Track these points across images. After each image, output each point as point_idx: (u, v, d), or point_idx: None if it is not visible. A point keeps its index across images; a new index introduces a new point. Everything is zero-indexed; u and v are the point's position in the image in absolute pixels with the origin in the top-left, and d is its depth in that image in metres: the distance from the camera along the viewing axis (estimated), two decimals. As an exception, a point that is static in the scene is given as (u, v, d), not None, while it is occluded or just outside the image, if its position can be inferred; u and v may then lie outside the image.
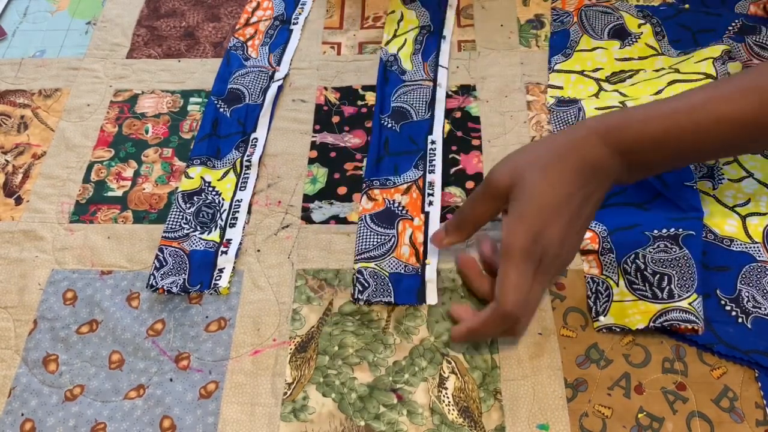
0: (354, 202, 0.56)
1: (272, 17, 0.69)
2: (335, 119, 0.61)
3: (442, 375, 0.47)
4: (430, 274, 0.51)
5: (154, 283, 0.50)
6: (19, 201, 0.57)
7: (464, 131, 0.60)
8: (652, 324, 0.46)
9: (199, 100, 0.63)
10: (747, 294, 0.48)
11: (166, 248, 0.53)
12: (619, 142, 0.43)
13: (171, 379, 0.47)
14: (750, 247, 0.50)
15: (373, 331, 0.49)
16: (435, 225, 0.53)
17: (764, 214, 0.52)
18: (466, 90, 0.63)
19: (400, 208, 0.54)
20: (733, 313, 0.48)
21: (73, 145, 0.60)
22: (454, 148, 0.58)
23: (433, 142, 0.58)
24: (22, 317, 0.51)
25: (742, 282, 0.49)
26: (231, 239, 0.53)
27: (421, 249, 0.52)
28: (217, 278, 0.51)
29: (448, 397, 0.46)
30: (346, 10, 0.71)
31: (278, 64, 0.65)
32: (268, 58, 0.66)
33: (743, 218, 0.52)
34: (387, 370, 0.47)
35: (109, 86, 0.65)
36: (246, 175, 0.57)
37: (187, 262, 0.52)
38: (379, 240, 0.52)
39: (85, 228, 0.55)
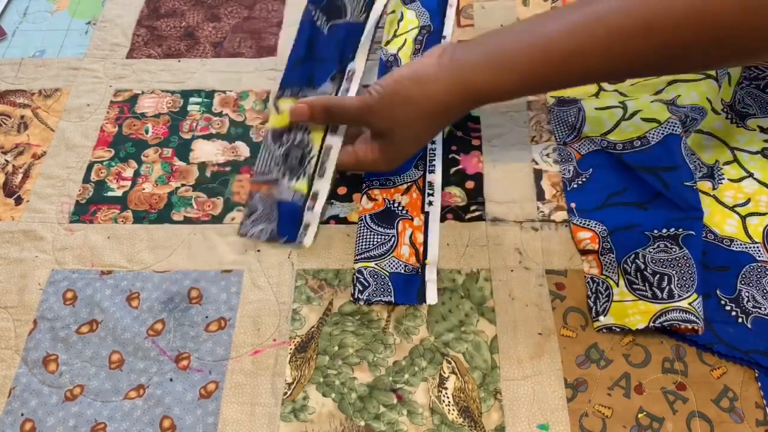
0: (354, 202, 0.56)
1: None
2: (335, 119, 0.61)
3: (442, 375, 0.47)
4: (430, 274, 0.51)
5: (245, 231, 0.52)
6: (19, 201, 0.57)
7: (464, 131, 0.60)
8: (652, 324, 0.46)
9: (199, 99, 0.63)
10: (747, 294, 0.48)
11: (257, 192, 0.53)
12: (477, 100, 0.48)
13: (171, 379, 0.47)
14: (750, 247, 0.50)
15: (373, 331, 0.49)
16: (435, 225, 0.53)
17: (764, 214, 0.52)
18: (466, 90, 0.62)
19: (400, 208, 0.54)
20: (733, 313, 0.48)
21: (73, 145, 0.60)
22: (454, 148, 0.58)
23: (433, 142, 0.58)
24: (22, 317, 0.51)
25: (742, 282, 0.49)
26: (318, 192, 0.53)
27: (421, 249, 0.52)
28: (302, 236, 0.52)
29: (448, 397, 0.46)
30: (346, 10, 0.70)
31: None
32: None
33: (743, 218, 0.52)
34: (387, 370, 0.47)
35: (109, 86, 0.65)
36: None
37: (276, 212, 0.52)
38: (379, 240, 0.52)
39: (85, 228, 0.55)
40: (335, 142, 0.53)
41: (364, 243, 0.52)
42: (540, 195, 0.55)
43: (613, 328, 0.47)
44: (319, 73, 0.57)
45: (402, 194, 0.55)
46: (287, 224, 0.52)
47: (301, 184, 0.53)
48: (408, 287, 0.50)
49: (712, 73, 0.57)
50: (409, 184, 0.56)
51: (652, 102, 0.56)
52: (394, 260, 0.52)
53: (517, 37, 0.47)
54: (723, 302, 0.48)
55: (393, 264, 0.51)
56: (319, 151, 0.53)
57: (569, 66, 0.45)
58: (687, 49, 0.42)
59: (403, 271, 0.51)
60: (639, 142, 0.55)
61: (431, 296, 0.50)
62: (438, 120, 0.50)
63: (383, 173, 0.56)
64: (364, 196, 0.55)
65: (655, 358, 0.47)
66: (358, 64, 0.56)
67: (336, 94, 0.55)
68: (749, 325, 0.47)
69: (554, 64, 0.45)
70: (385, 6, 0.59)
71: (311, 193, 0.53)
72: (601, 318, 0.48)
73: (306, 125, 0.54)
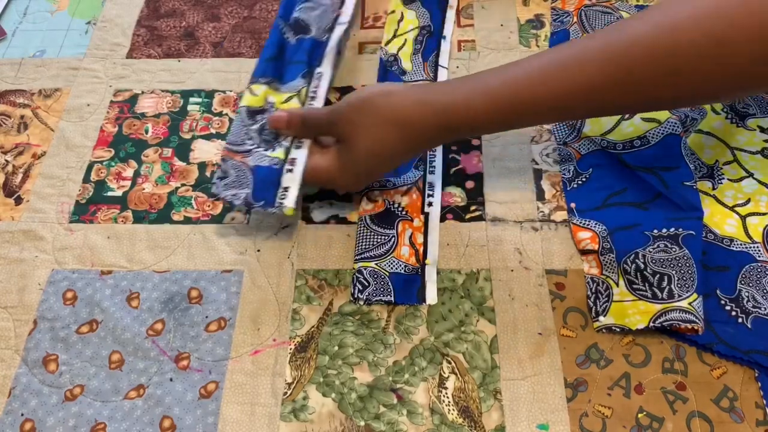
0: (354, 202, 0.56)
1: None
2: (335, 119, 0.61)
3: (442, 375, 0.47)
4: (430, 274, 0.51)
5: (216, 192, 0.51)
6: (19, 201, 0.57)
7: (464, 131, 0.60)
8: (652, 324, 0.46)
9: (199, 99, 0.63)
10: (747, 294, 0.48)
11: (229, 159, 0.52)
12: (447, 122, 0.47)
13: (171, 379, 0.47)
14: (750, 247, 0.50)
15: (373, 331, 0.49)
16: (435, 226, 0.53)
17: (764, 214, 0.52)
18: (466, 90, 0.62)
19: (400, 209, 0.54)
20: (733, 313, 0.48)
21: (73, 145, 0.60)
22: (454, 148, 0.58)
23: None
24: (22, 317, 0.51)
25: (742, 282, 0.49)
26: (296, 158, 0.51)
27: (421, 249, 0.52)
28: (282, 197, 0.50)
29: (448, 397, 0.46)
30: (346, 10, 0.70)
31: (340, 7, 0.63)
32: None
33: (743, 218, 0.52)
34: (387, 370, 0.47)
35: (109, 86, 0.65)
36: (310, 105, 0.56)
37: (250, 177, 0.51)
38: (378, 240, 0.52)
39: (85, 228, 0.55)
40: None
41: (363, 243, 0.52)
42: (540, 195, 0.55)
43: (613, 328, 0.47)
44: (288, 72, 0.58)
45: (402, 195, 0.55)
46: (264, 189, 0.50)
47: (278, 153, 0.52)
48: (408, 287, 0.50)
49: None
50: (409, 186, 0.56)
51: (652, 102, 0.56)
52: (394, 260, 0.52)
53: (495, 69, 0.47)
54: (723, 302, 0.48)
55: (393, 264, 0.51)
56: None
57: (545, 87, 0.44)
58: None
59: (403, 271, 0.51)
60: (639, 142, 0.55)
61: (431, 296, 0.50)
62: (400, 134, 0.47)
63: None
64: (364, 198, 0.55)
65: (655, 358, 0.47)
66: (326, 69, 0.58)
67: (306, 92, 0.57)
68: (749, 325, 0.47)
69: (527, 87, 0.44)
70: (347, 30, 0.61)
71: (289, 159, 0.51)
72: (601, 318, 0.48)
73: (278, 110, 0.55)
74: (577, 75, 0.43)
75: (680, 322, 0.45)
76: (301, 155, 0.51)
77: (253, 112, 0.55)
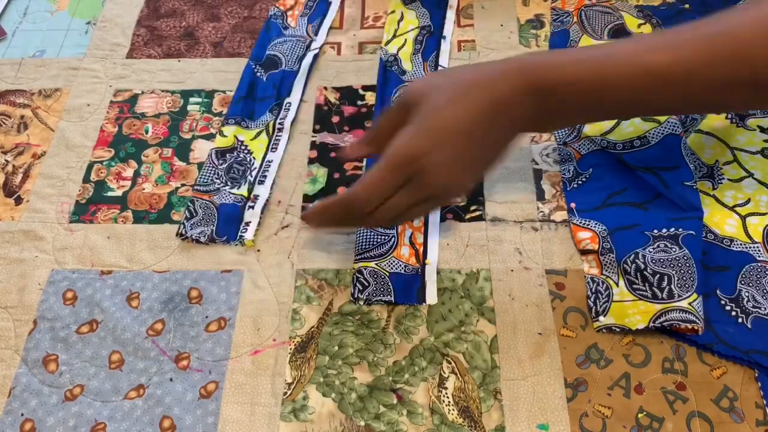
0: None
1: None
2: (335, 119, 0.61)
3: (442, 375, 0.47)
4: (430, 274, 0.51)
5: (183, 232, 0.53)
6: (19, 201, 0.57)
7: (464, 131, 0.60)
8: (652, 324, 0.46)
9: (199, 99, 0.63)
10: (747, 294, 0.48)
11: (197, 200, 0.55)
12: (539, 81, 0.41)
13: (171, 379, 0.47)
14: (750, 247, 0.50)
15: (373, 331, 0.49)
16: (435, 226, 0.53)
17: (764, 214, 0.52)
18: (466, 90, 0.62)
19: (400, 208, 0.54)
20: (733, 313, 0.48)
21: (73, 145, 0.60)
22: (454, 148, 0.58)
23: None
24: (22, 317, 0.51)
25: (742, 282, 0.49)
26: (258, 195, 0.55)
27: (421, 249, 0.52)
28: (243, 231, 0.53)
29: (448, 397, 0.46)
30: (346, 10, 0.71)
31: (315, 35, 0.68)
32: (306, 28, 0.68)
33: (743, 218, 0.52)
34: (387, 370, 0.47)
35: (109, 86, 0.65)
36: (278, 138, 0.59)
37: (215, 215, 0.54)
38: (378, 240, 0.52)
39: (85, 228, 0.55)
40: (275, 157, 0.58)
41: (364, 243, 0.52)
42: (540, 195, 0.55)
43: (613, 328, 0.47)
44: (258, 108, 0.62)
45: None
46: (227, 225, 0.54)
47: (242, 190, 0.56)
48: (408, 287, 0.50)
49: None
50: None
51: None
52: (394, 260, 0.52)
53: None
54: (723, 302, 0.48)
55: (393, 264, 0.51)
56: (261, 165, 0.57)
57: (655, 82, 0.39)
58: None
59: (403, 271, 0.51)
60: (639, 142, 0.55)
61: (431, 296, 0.50)
62: (484, 97, 0.41)
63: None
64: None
65: (655, 358, 0.47)
66: (294, 98, 0.62)
67: (274, 125, 0.60)
68: (749, 325, 0.47)
69: (639, 75, 0.40)
70: (318, 52, 0.66)
71: (251, 196, 0.55)
72: (601, 318, 0.48)
73: (247, 146, 0.58)
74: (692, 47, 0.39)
75: (680, 322, 0.45)
76: (263, 191, 0.55)
77: (221, 153, 0.58)
